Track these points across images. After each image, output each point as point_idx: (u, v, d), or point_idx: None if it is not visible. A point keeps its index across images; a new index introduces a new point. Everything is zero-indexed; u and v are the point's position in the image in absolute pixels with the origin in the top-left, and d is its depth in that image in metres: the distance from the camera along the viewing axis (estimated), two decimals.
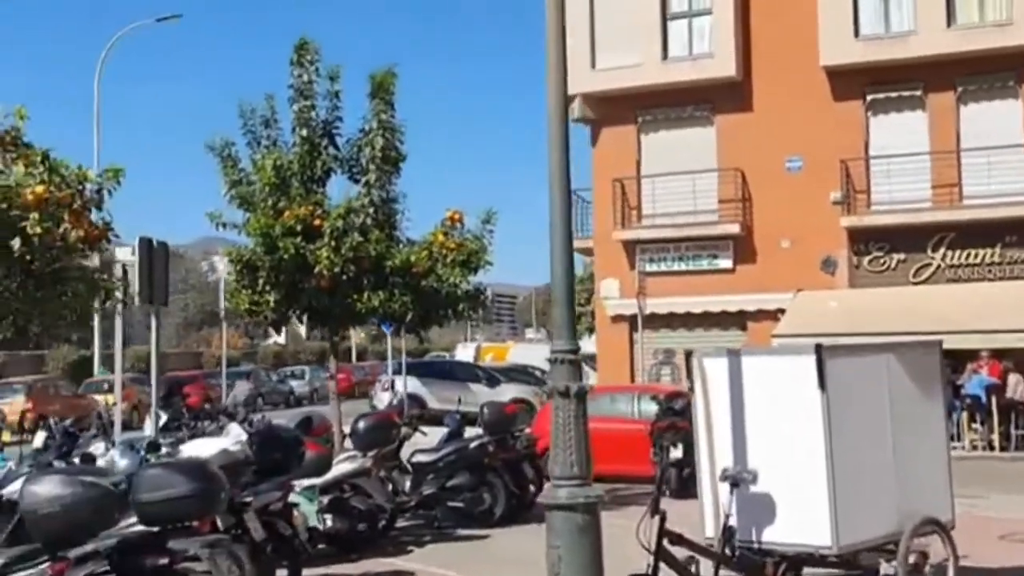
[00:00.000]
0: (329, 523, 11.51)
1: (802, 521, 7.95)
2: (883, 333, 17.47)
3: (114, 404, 16.61)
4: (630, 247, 25.88)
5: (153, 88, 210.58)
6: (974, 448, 21.08)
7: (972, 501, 12.50)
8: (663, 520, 7.68)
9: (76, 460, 10.50)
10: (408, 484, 13.59)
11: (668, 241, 25.52)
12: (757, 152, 24.66)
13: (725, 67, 24.85)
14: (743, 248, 25.03)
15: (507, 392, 29.63)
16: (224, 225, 14.57)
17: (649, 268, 25.52)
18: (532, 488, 13.82)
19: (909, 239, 23.46)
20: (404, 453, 13.83)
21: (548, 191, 8.01)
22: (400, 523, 13.24)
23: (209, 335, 71.39)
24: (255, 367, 54.12)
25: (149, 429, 14.78)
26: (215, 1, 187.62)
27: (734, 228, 24.85)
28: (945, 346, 9.47)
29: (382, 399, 30.81)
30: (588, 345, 33.52)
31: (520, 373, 35.24)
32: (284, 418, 18.11)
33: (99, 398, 32.61)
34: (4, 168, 9.12)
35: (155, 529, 6.72)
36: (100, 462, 10.31)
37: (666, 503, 7.87)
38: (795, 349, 9.30)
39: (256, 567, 7.97)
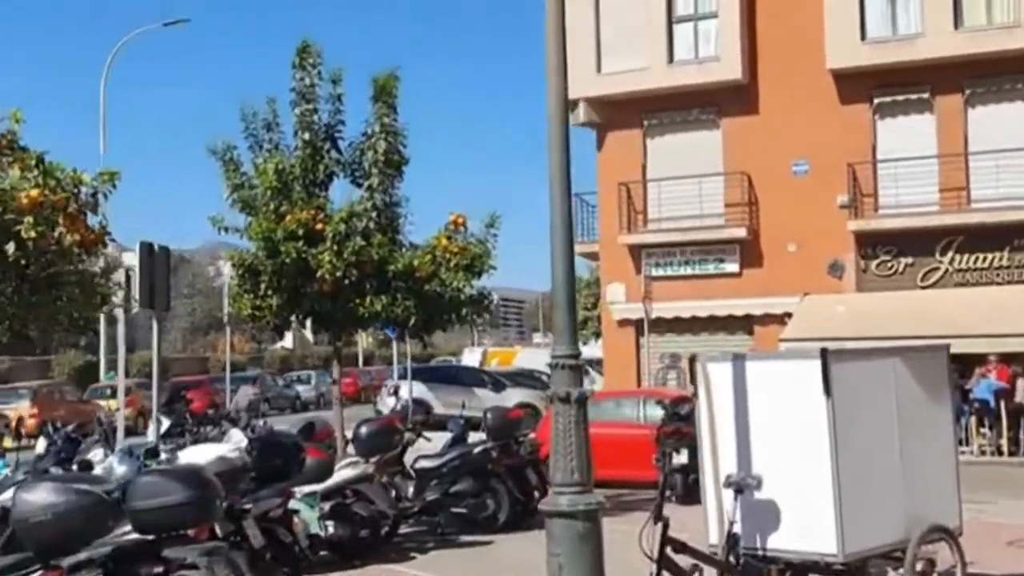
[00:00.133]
0: (331, 529, 11.47)
1: (807, 528, 7.86)
2: (891, 337, 17.34)
3: (117, 410, 16.56)
4: (636, 251, 25.79)
5: (159, 91, 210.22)
6: (982, 453, 20.94)
7: (980, 507, 12.36)
8: (666, 527, 7.61)
9: (75, 467, 10.45)
10: (411, 490, 13.51)
11: (674, 245, 25.44)
12: (763, 156, 24.56)
13: (731, 70, 24.76)
14: (750, 252, 24.92)
15: (513, 397, 29.61)
16: (226, 229, 14.52)
17: (655, 272, 25.43)
18: (536, 494, 13.68)
19: (917, 243, 23.33)
20: (408, 458, 13.77)
21: (548, 194, 7.94)
22: (403, 529, 13.13)
23: (216, 340, 71.38)
24: (261, 372, 54.10)
25: (151, 435, 14.72)
26: (215, 1, 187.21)
27: (740, 232, 24.73)
28: (953, 350, 9.37)
29: (387, 404, 30.69)
30: (595, 350, 33.55)
31: (526, 378, 35.17)
32: (288, 423, 18.07)
33: (104, 403, 32.64)
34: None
35: (150, 537, 6.62)
36: (98, 469, 10.25)
37: (671, 509, 7.79)
38: (800, 353, 9.21)
39: (255, 574, 7.90)
